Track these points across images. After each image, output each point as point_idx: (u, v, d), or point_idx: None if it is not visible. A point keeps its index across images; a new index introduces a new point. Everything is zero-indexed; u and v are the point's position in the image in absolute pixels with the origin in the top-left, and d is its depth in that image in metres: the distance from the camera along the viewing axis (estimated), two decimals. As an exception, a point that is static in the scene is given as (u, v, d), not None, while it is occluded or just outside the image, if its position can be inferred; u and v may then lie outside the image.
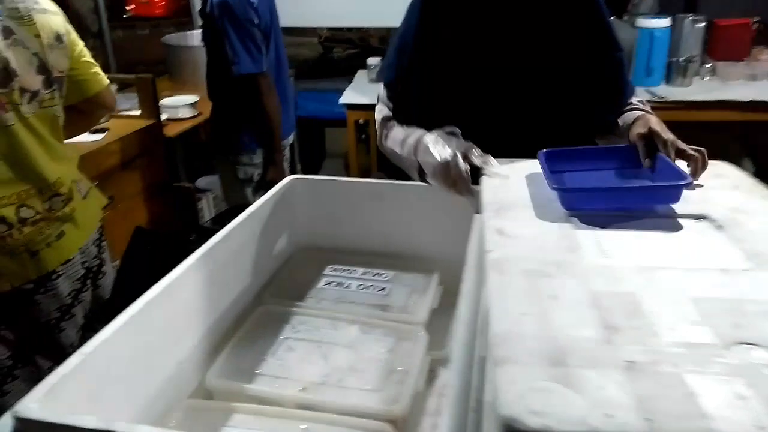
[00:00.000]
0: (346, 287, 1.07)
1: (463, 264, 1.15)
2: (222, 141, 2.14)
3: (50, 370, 1.18)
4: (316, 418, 0.78)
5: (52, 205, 1.15)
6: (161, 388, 0.79)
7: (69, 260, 1.21)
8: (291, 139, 2.37)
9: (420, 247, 1.16)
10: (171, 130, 2.38)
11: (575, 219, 0.81)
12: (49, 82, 1.16)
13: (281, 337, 0.94)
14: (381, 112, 1.13)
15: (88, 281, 1.29)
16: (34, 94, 1.12)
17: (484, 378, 0.52)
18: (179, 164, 2.50)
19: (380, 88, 1.16)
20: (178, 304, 0.81)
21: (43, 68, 1.14)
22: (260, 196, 2.18)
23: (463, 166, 0.88)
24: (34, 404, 0.56)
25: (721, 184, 0.90)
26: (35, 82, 1.12)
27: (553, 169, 0.89)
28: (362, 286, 1.07)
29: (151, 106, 2.17)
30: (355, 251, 1.17)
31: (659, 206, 0.84)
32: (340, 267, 1.13)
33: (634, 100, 1.09)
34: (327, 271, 1.13)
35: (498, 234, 0.77)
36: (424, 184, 1.13)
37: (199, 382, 0.88)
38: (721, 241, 0.72)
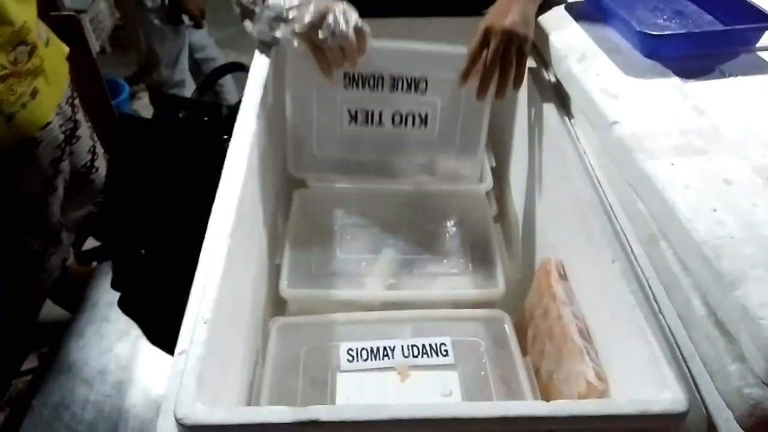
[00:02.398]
0: (380, 125, 0.83)
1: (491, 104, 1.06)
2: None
3: (39, 250, 1.10)
4: (421, 317, 0.74)
5: (18, 56, 0.94)
6: (248, 316, 0.69)
7: (48, 124, 1.03)
8: None
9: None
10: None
11: (659, 66, 0.75)
12: None
13: (336, 226, 0.85)
14: None
15: (67, 147, 1.11)
16: None
17: (707, 291, 0.49)
18: (50, -14, 1.97)
19: None
20: (243, 225, 0.67)
21: None
22: (172, 29, 1.84)
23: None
24: (200, 406, 0.45)
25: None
26: None
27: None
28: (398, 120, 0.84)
29: None
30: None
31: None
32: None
33: None
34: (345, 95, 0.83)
35: (609, 97, 0.69)
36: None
37: (266, 291, 0.79)
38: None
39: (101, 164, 1.27)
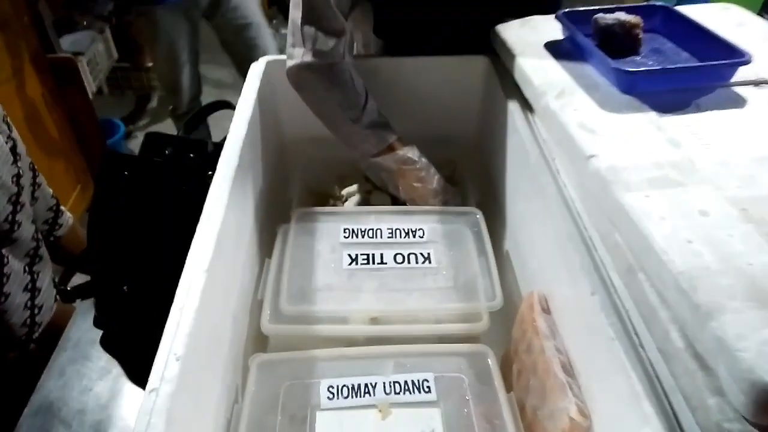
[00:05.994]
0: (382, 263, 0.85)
1: (477, 140, 1.08)
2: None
3: (26, 270, 1.05)
4: (403, 353, 0.73)
5: None
6: (227, 352, 0.68)
7: None
8: None
9: (429, 127, 1.05)
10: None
11: (636, 101, 0.76)
12: None
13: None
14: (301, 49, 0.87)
15: (18, 163, 1.06)
16: None
17: (684, 323, 0.48)
18: (48, 29, 2.01)
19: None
20: (223, 260, 0.67)
21: None
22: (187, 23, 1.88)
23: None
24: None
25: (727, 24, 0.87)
26: None
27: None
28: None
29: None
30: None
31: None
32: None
33: None
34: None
35: (586, 131, 0.69)
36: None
37: (248, 328, 0.78)
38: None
39: (42, 180, 1.25)
